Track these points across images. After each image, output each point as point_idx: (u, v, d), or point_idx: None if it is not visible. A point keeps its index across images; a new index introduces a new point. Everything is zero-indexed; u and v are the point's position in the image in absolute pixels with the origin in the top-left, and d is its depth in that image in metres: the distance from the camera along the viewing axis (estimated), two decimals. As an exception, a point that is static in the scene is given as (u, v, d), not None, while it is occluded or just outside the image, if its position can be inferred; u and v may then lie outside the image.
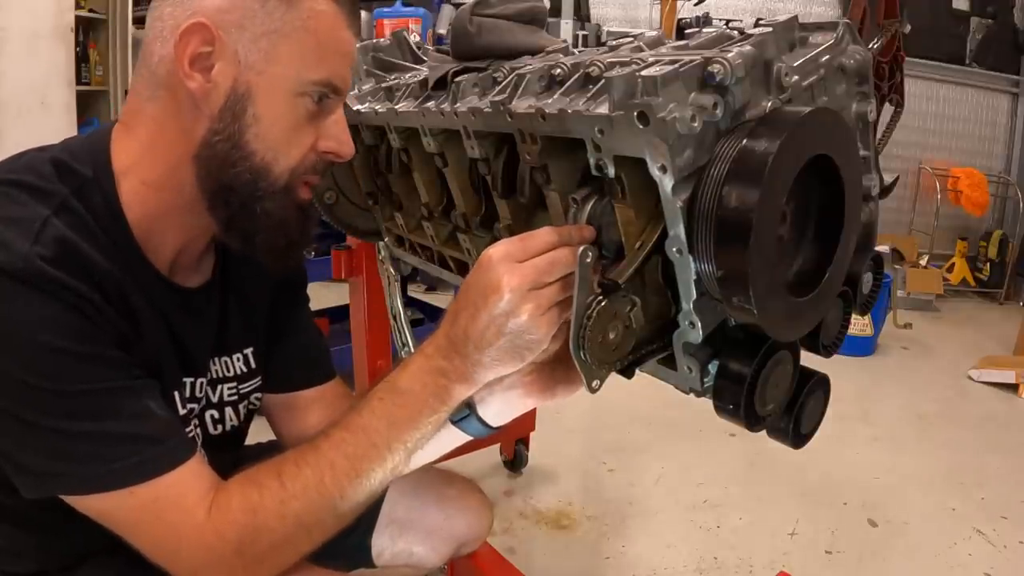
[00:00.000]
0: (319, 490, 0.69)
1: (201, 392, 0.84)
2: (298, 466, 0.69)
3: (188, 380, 0.81)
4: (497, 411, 0.75)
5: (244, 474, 0.71)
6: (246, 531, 0.67)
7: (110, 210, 0.71)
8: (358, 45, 1.12)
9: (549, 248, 0.65)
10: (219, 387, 0.87)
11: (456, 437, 0.78)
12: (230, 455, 0.90)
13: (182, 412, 0.80)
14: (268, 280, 0.90)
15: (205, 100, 0.70)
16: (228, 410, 0.88)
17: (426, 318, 2.84)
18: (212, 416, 0.87)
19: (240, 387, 0.89)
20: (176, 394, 0.79)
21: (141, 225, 0.73)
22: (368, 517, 0.99)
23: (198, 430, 0.85)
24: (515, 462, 2.09)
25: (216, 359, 0.86)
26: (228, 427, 0.89)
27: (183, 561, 0.68)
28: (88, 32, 3.66)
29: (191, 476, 0.69)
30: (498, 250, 0.65)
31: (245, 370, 0.89)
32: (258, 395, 0.92)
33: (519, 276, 0.63)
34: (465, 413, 0.75)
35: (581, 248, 0.63)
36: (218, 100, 0.70)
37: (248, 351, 0.89)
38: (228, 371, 0.88)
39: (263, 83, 0.70)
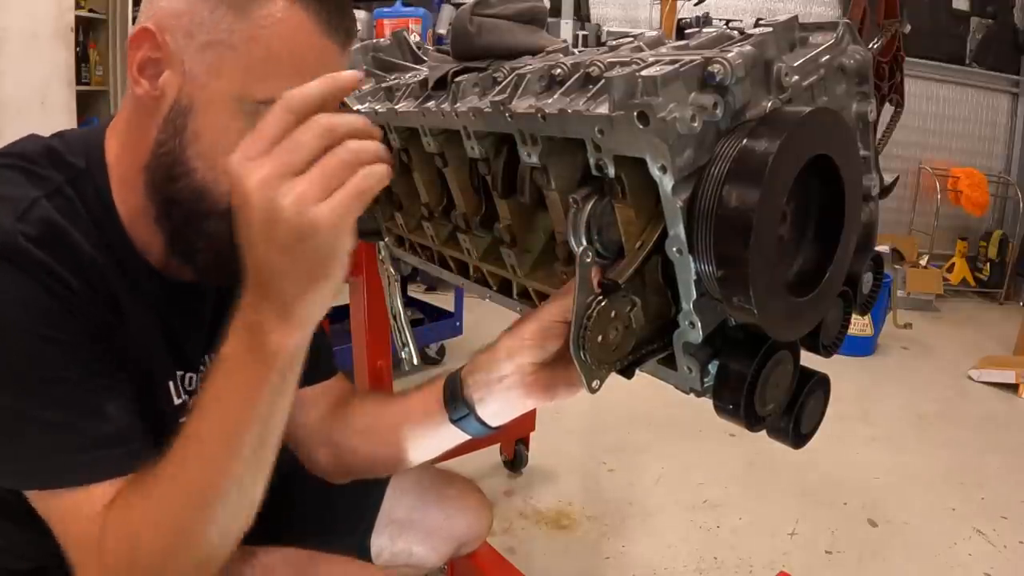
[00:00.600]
0: (177, 487, 0.62)
1: (192, 386, 0.83)
2: (157, 468, 0.63)
3: (179, 373, 0.81)
4: (496, 411, 0.75)
5: (120, 491, 0.65)
6: (125, 546, 0.62)
7: (102, 202, 0.71)
8: (357, 46, 1.12)
9: (288, 123, 0.52)
10: None
11: (455, 436, 0.78)
12: None
13: (177, 402, 0.79)
14: None
15: (155, 108, 0.67)
16: None
17: (426, 318, 2.84)
18: None
19: None
20: (171, 384, 0.79)
21: (129, 220, 0.72)
22: (367, 517, 0.99)
23: None
24: (515, 462, 2.09)
25: (210, 355, 0.86)
26: None
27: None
28: (88, 32, 3.66)
29: (112, 493, 0.64)
30: (235, 157, 0.53)
31: None
32: None
33: (259, 171, 0.51)
34: (464, 412, 0.75)
35: (581, 248, 0.63)
36: (163, 110, 0.67)
37: None
38: None
39: (205, 98, 0.65)
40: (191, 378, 0.83)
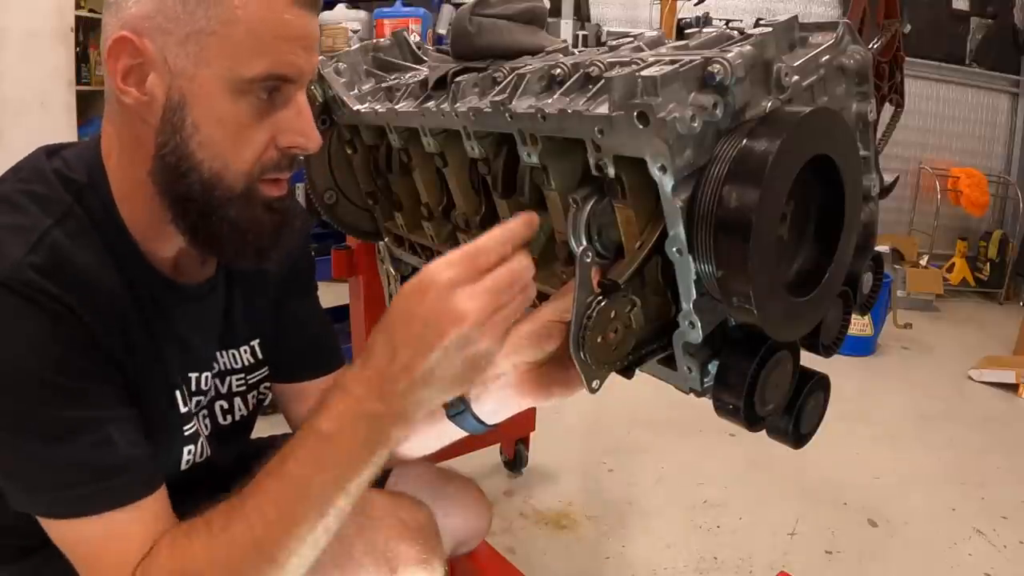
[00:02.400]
0: (250, 539, 0.62)
1: (208, 385, 0.84)
2: (227, 516, 0.64)
3: (193, 375, 0.82)
4: (492, 409, 0.75)
5: (180, 523, 0.68)
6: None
7: (109, 216, 0.71)
8: (357, 46, 1.12)
9: (501, 259, 0.60)
10: (227, 379, 0.88)
11: (452, 431, 0.79)
12: (236, 446, 0.91)
13: (183, 410, 0.80)
14: (272, 271, 0.89)
15: (147, 113, 0.67)
16: (237, 400, 0.89)
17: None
18: (221, 407, 0.87)
19: (248, 378, 0.90)
20: (178, 393, 0.79)
21: (137, 229, 0.73)
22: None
23: (207, 421, 0.86)
24: (515, 462, 2.09)
25: (223, 352, 0.87)
26: (238, 416, 0.89)
27: None
28: (88, 32, 3.65)
29: (136, 519, 0.66)
30: (446, 275, 0.58)
31: (252, 361, 0.90)
32: (267, 384, 0.93)
33: (480, 305, 0.57)
34: (460, 408, 0.76)
35: (581, 248, 0.63)
36: (157, 112, 0.67)
37: (255, 343, 0.90)
38: (236, 363, 0.88)
39: (196, 89, 0.66)
40: (206, 377, 0.84)
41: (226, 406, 0.88)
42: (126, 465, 0.66)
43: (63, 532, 0.65)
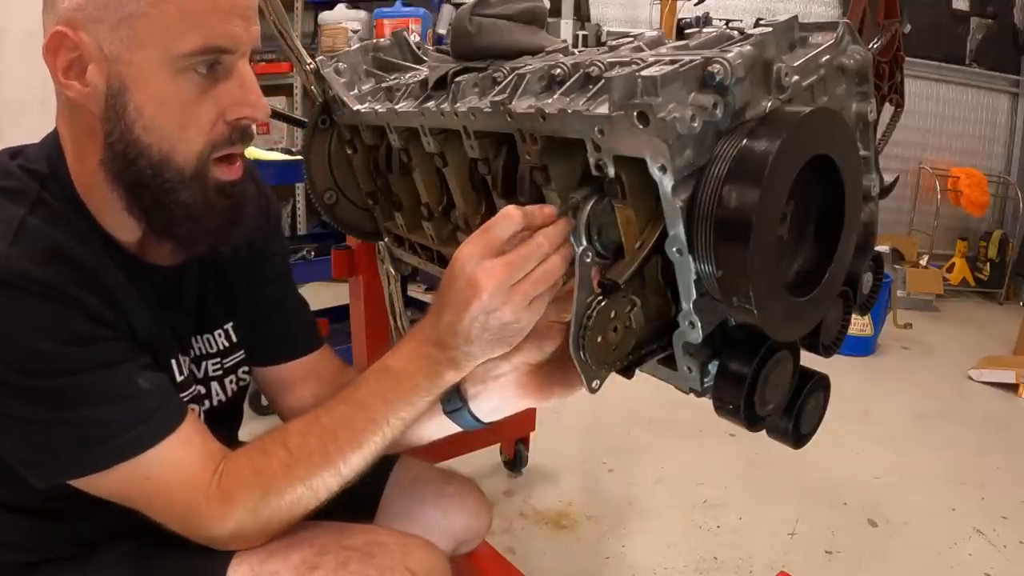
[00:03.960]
0: (323, 456, 0.71)
1: (186, 370, 0.85)
2: (303, 436, 0.72)
3: (172, 360, 0.82)
4: (492, 408, 0.76)
5: (250, 444, 0.74)
6: (256, 492, 0.70)
7: (72, 201, 0.72)
8: (357, 46, 1.12)
9: (514, 233, 0.65)
10: (203, 364, 0.88)
11: (448, 426, 0.79)
12: (224, 432, 0.91)
13: (179, 379, 0.81)
14: (244, 254, 0.89)
15: (91, 103, 0.68)
16: (214, 385, 0.89)
17: (426, 318, 2.83)
18: (199, 391, 0.87)
19: (224, 362, 0.90)
20: (173, 361, 0.80)
21: (99, 216, 0.74)
22: (365, 515, 0.99)
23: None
24: (515, 462, 2.09)
25: (198, 336, 0.87)
26: (215, 402, 0.89)
27: (197, 524, 0.70)
28: (88, 32, 3.66)
29: (184, 441, 0.71)
30: (467, 250, 0.65)
31: (227, 345, 0.90)
32: (245, 369, 0.93)
33: (495, 278, 0.63)
34: (458, 406, 0.76)
35: (581, 248, 0.63)
36: (100, 101, 0.68)
37: (228, 326, 0.90)
38: (211, 347, 0.89)
39: (134, 73, 0.66)
40: (185, 361, 0.84)
41: (203, 391, 0.88)
42: (158, 399, 0.71)
43: (123, 480, 0.68)
